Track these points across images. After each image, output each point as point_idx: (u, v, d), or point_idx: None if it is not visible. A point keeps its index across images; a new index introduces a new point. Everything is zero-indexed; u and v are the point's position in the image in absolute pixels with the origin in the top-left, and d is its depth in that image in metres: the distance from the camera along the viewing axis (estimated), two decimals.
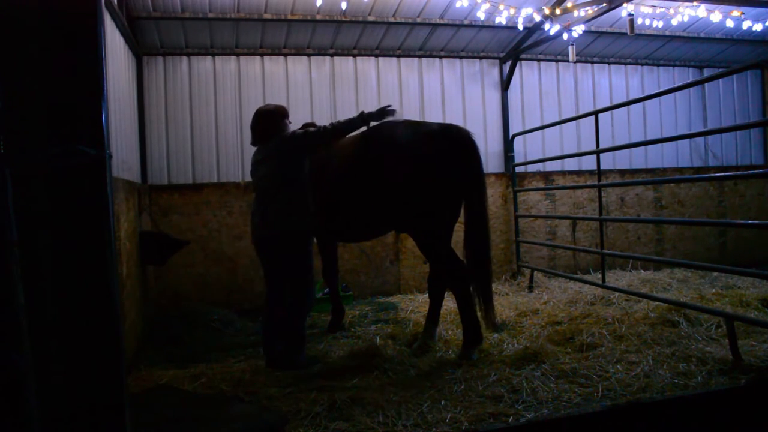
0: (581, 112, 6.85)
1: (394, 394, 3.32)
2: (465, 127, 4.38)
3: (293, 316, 4.05)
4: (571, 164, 7.62)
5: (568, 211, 7.49)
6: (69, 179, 1.79)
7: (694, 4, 6.22)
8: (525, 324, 4.89)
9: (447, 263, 4.13)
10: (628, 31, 6.01)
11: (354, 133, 4.21)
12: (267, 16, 5.94)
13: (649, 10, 6.50)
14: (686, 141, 8.09)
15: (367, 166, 4.14)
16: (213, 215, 6.30)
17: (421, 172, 4.01)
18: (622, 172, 7.74)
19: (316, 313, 5.67)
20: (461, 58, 7.29)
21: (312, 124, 4.63)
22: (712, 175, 5.40)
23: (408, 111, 7.02)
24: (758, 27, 6.94)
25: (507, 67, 7.36)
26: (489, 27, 6.60)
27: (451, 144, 4.13)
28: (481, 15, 6.03)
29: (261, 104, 6.60)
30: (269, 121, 4.19)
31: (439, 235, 4.15)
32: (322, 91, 6.79)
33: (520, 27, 6.28)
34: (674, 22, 6.64)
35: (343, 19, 6.13)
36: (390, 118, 4.12)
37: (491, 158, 7.33)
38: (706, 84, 8.14)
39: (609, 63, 7.87)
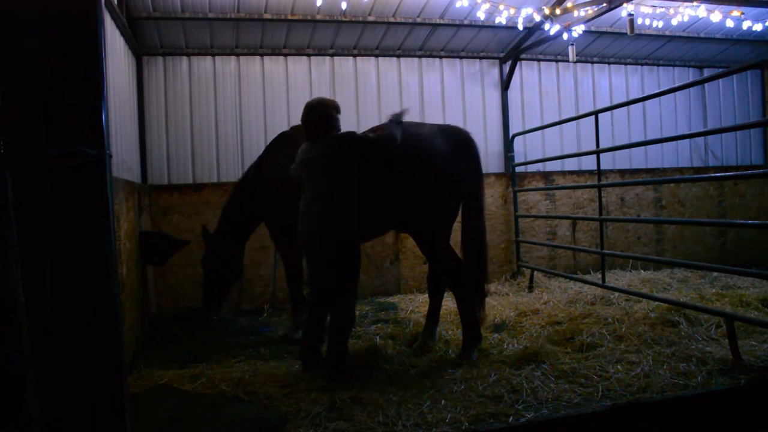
0: (581, 112, 6.85)
1: (394, 394, 3.32)
2: (465, 128, 4.43)
3: (335, 326, 3.79)
4: (571, 164, 7.62)
5: (568, 211, 7.49)
6: (69, 179, 1.78)
7: (694, 4, 6.21)
8: (525, 324, 4.89)
9: (447, 263, 4.13)
10: (628, 31, 6.01)
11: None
12: (267, 16, 5.94)
13: (649, 10, 6.50)
14: (686, 141, 8.09)
15: (369, 168, 4.13)
16: (213, 215, 6.28)
17: (423, 172, 4.01)
18: (622, 172, 7.74)
19: None
20: (461, 58, 7.29)
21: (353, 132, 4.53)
22: (712, 175, 5.40)
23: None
24: (758, 27, 6.94)
25: (507, 67, 7.36)
26: (489, 27, 6.60)
27: (452, 145, 4.14)
28: (481, 15, 6.03)
29: (261, 104, 6.67)
30: (323, 115, 3.92)
31: (440, 234, 4.16)
32: (322, 91, 6.77)
33: (520, 27, 6.28)
34: (674, 22, 6.64)
35: (343, 19, 6.12)
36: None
37: (491, 158, 7.33)
38: (706, 84, 8.14)
39: (609, 63, 7.87)
